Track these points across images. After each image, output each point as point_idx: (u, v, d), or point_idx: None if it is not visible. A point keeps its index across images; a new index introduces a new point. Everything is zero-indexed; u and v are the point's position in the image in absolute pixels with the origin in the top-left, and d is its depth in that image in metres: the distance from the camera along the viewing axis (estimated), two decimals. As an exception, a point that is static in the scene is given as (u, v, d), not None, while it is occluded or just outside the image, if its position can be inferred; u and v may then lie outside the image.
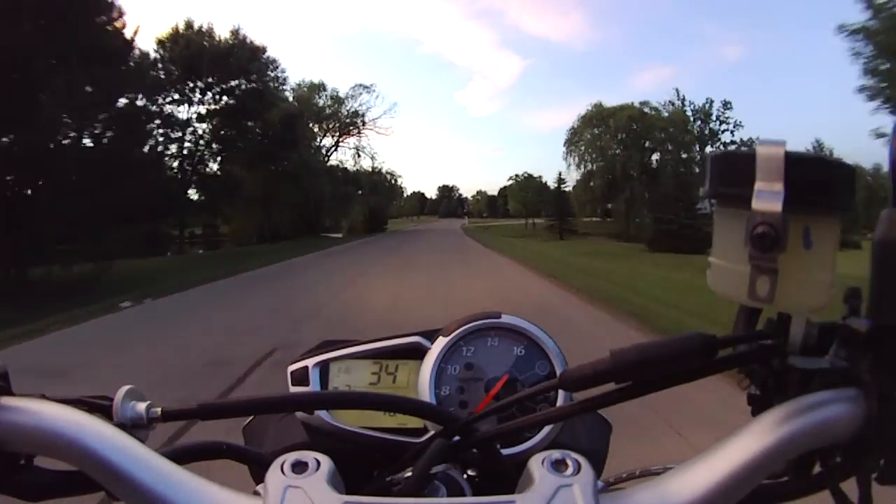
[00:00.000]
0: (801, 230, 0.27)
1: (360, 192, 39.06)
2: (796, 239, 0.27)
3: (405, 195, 51.05)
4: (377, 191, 41.35)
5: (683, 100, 39.87)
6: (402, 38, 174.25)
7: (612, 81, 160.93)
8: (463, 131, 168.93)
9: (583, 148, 37.46)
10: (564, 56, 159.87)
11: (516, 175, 57.67)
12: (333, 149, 38.12)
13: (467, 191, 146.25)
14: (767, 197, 0.26)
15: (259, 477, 0.31)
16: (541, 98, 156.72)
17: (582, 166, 37.94)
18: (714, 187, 0.30)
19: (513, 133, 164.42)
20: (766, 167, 0.26)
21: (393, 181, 45.08)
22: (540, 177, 54.88)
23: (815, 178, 0.27)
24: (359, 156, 39.38)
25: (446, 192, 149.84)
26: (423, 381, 0.47)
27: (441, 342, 0.48)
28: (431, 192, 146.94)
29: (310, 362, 0.49)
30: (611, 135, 35.88)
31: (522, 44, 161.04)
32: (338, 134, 38.09)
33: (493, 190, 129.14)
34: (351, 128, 38.36)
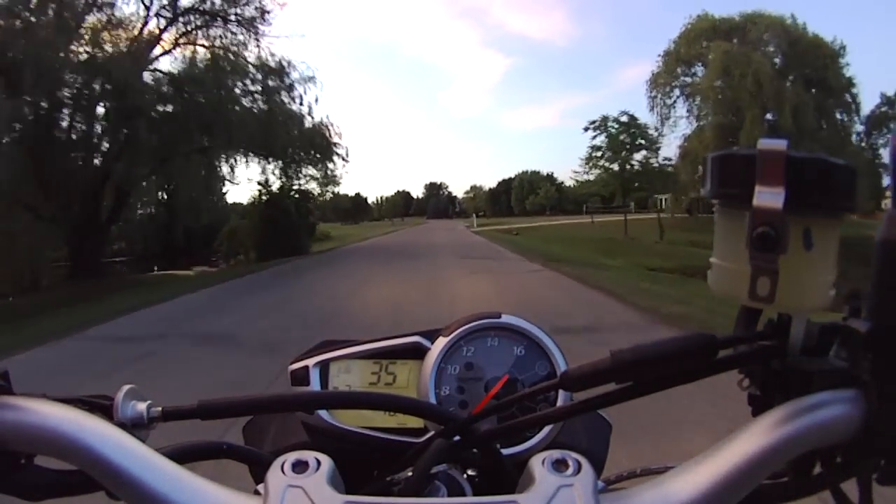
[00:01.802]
0: (802, 231, 0.27)
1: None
2: (797, 240, 0.27)
3: (341, 154, 17.03)
4: (221, 124, 14.33)
5: (804, 27, 21.61)
6: (383, 39, 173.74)
7: (596, 78, 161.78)
8: (447, 131, 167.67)
9: (674, 88, 20.25)
10: (547, 54, 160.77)
11: (605, 119, 23.88)
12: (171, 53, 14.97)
13: (455, 190, 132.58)
14: (768, 197, 0.26)
15: (259, 477, 0.32)
16: (524, 96, 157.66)
17: (696, 114, 20.54)
18: (714, 187, 0.30)
19: (497, 132, 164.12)
20: (767, 167, 0.27)
21: (295, 104, 16.83)
22: (646, 125, 23.58)
23: (816, 178, 0.27)
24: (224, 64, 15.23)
25: (434, 189, 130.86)
26: (423, 381, 0.47)
27: (441, 342, 0.48)
28: (418, 193, 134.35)
29: (310, 362, 0.49)
30: (758, 55, 18.49)
31: (505, 43, 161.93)
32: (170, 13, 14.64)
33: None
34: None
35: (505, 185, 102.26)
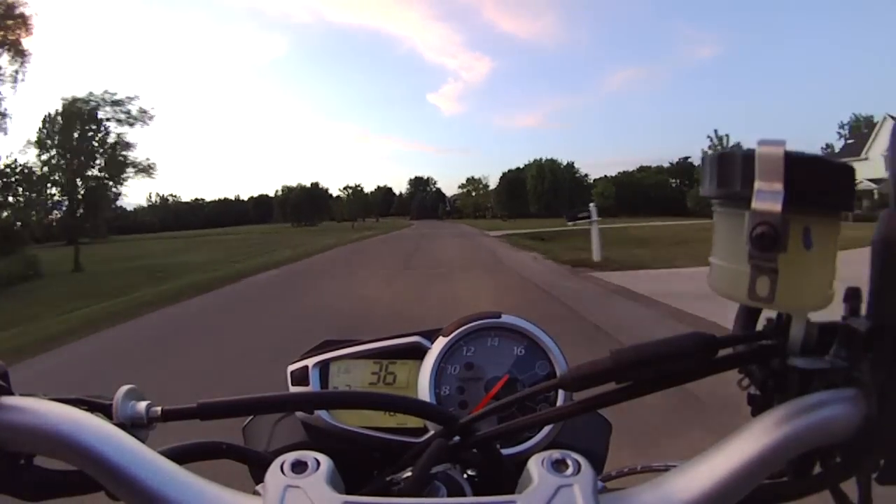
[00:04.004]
0: (801, 230, 0.27)
1: None
2: (796, 239, 0.27)
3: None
4: None
5: None
6: (374, 40, 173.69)
7: (582, 82, 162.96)
8: (435, 132, 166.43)
9: None
10: (535, 57, 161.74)
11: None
12: None
13: (443, 188, 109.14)
14: (767, 197, 0.26)
15: (259, 477, 0.31)
16: (511, 98, 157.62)
17: None
18: (713, 187, 0.30)
19: (484, 133, 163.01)
20: (766, 167, 0.26)
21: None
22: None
23: (815, 178, 0.27)
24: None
25: (420, 185, 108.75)
26: (423, 380, 0.47)
27: (441, 342, 0.48)
28: (401, 188, 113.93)
29: (310, 362, 0.49)
30: None
31: (493, 45, 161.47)
32: None
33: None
34: None
35: (516, 174, 72.32)
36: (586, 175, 71.94)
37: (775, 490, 0.31)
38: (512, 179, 72.01)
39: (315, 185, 72.20)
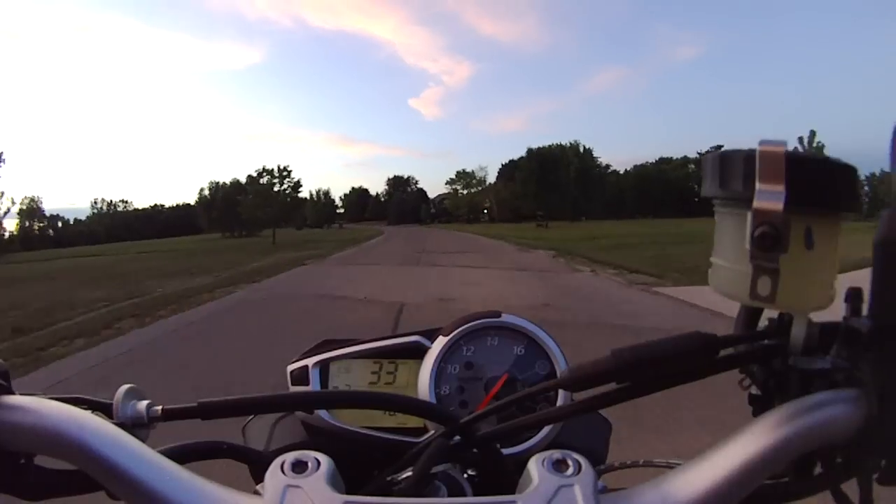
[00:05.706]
0: (803, 230, 0.27)
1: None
2: (798, 239, 0.27)
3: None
4: None
5: None
6: (353, 45, 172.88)
7: (564, 84, 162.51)
8: (417, 137, 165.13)
9: None
10: (516, 60, 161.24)
11: None
12: None
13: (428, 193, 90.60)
14: (768, 197, 0.26)
15: (259, 476, 0.31)
16: (494, 102, 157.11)
17: None
18: (714, 187, 0.30)
19: (467, 137, 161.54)
20: (768, 167, 0.26)
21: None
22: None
23: (817, 177, 0.27)
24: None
25: (399, 184, 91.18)
26: (422, 380, 0.47)
27: (441, 341, 0.48)
28: (379, 189, 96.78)
29: (310, 362, 0.49)
30: None
31: (475, 49, 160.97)
32: None
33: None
34: None
35: (549, 153, 49.33)
36: (608, 166, 52.38)
37: (776, 490, 0.31)
38: (545, 158, 47.68)
39: (238, 183, 43.98)
